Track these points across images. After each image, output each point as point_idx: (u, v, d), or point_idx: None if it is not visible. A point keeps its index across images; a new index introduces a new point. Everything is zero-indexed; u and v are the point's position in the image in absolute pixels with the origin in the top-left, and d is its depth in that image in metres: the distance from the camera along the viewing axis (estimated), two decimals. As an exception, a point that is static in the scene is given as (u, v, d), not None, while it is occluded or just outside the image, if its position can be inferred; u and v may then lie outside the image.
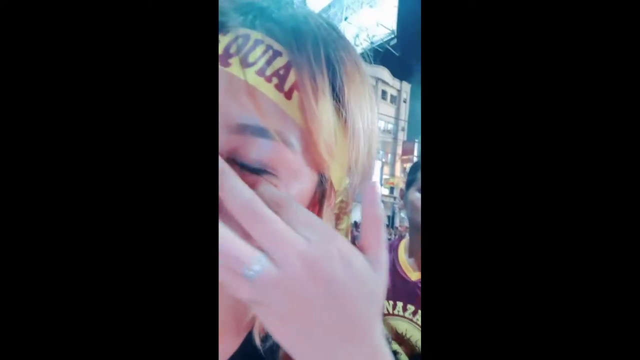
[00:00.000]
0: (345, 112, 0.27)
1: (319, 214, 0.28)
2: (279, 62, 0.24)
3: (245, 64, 0.24)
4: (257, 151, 0.24)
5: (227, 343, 0.32)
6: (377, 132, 0.30)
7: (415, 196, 1.05)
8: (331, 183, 0.28)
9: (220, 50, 0.24)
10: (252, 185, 0.23)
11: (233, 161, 0.24)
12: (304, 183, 0.27)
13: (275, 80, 0.24)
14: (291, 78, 0.25)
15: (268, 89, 0.24)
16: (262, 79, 0.24)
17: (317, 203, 0.28)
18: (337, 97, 0.26)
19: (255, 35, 0.25)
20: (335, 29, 0.28)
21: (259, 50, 0.24)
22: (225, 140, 0.24)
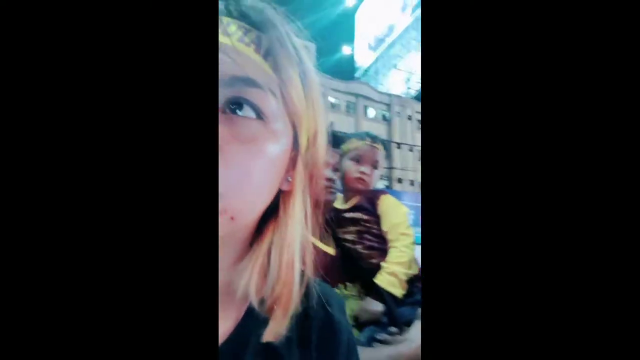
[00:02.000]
0: (306, 85, 0.32)
1: (293, 169, 0.32)
2: (252, 35, 0.30)
3: (226, 33, 0.29)
4: (250, 97, 0.28)
5: (227, 317, 0.34)
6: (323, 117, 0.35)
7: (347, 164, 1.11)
8: (304, 143, 0.32)
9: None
10: (243, 135, 0.28)
11: (228, 109, 0.28)
12: (283, 135, 0.30)
13: (252, 45, 0.29)
14: (264, 45, 0.30)
15: (249, 51, 0.29)
16: (242, 44, 0.29)
17: (292, 163, 0.32)
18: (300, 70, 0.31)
19: (227, 19, 0.30)
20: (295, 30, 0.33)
21: (234, 26, 0.29)
22: (221, 95, 0.27)
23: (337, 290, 0.91)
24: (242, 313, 0.33)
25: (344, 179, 1.12)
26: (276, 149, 0.30)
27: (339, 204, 1.12)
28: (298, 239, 0.33)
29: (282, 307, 0.32)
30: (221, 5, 0.30)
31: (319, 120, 0.34)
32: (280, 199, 0.33)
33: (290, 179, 0.33)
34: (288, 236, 0.32)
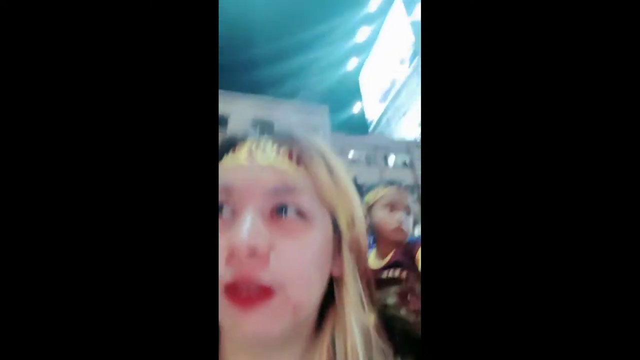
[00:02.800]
0: (335, 177, 0.35)
1: (339, 255, 0.35)
2: (285, 149, 0.34)
3: (265, 153, 0.34)
4: (293, 202, 0.32)
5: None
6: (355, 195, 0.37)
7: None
8: (344, 229, 0.35)
9: (244, 154, 0.34)
10: (292, 232, 0.31)
11: (275, 213, 0.32)
12: (324, 225, 0.33)
13: (286, 156, 0.34)
14: (295, 154, 0.34)
15: (284, 163, 0.33)
16: (278, 160, 0.33)
17: (337, 248, 0.35)
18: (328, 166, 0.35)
19: (263, 139, 0.35)
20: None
21: (270, 145, 0.34)
22: (268, 204, 0.32)
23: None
24: None
25: (377, 232, 1.00)
26: (320, 237, 0.33)
27: (372, 261, 0.99)
28: (357, 323, 0.33)
29: None
30: (256, 132, 0.37)
31: (354, 204, 0.37)
32: (335, 286, 0.35)
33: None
34: (347, 321, 0.33)
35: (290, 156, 0.34)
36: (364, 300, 0.35)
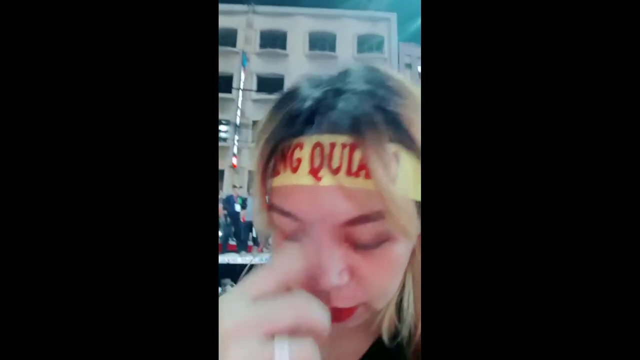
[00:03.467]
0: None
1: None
2: (357, 156, 0.27)
3: (333, 170, 0.27)
4: (370, 232, 0.28)
5: (357, 344, 0.35)
6: None
7: None
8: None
9: (307, 166, 0.28)
10: (368, 257, 0.28)
11: (353, 245, 0.29)
12: (404, 245, 0.30)
13: (362, 173, 0.27)
14: (370, 166, 0.27)
15: (357, 182, 0.27)
16: (352, 177, 0.27)
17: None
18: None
19: (327, 138, 0.28)
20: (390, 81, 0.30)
21: (337, 151, 0.27)
22: (341, 233, 0.28)
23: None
24: (369, 345, 0.36)
25: None
26: (399, 254, 0.30)
27: None
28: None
29: (414, 348, 0.33)
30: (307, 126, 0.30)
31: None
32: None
33: None
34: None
35: (362, 167, 0.28)
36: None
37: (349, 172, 0.27)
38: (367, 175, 0.27)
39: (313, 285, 0.27)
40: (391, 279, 0.30)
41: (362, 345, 0.36)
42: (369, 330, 0.35)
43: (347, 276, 0.28)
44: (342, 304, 0.29)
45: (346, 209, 0.27)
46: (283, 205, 0.29)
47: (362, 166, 0.27)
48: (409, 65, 14.86)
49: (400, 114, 0.28)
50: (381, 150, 0.28)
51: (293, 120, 0.29)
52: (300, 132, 0.29)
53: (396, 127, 0.28)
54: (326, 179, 0.27)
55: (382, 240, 0.29)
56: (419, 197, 0.29)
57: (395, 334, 0.33)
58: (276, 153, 0.29)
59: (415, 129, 0.29)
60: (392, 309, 0.34)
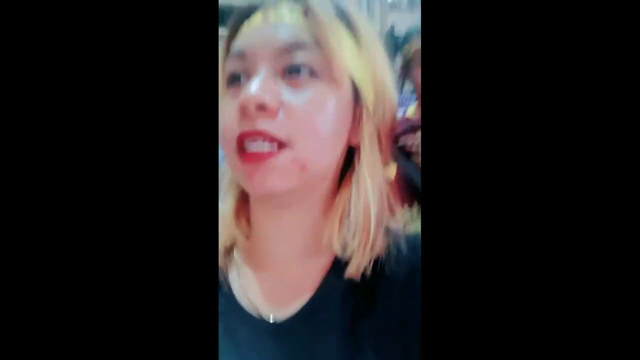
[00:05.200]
0: (361, 43, 0.34)
1: (359, 126, 0.35)
2: (299, 5, 0.33)
3: (278, 15, 0.33)
4: (304, 57, 0.32)
5: (316, 264, 0.36)
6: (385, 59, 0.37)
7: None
8: (368, 99, 0.35)
9: (259, 18, 0.33)
10: (302, 90, 0.31)
11: (286, 71, 0.32)
12: (342, 90, 0.33)
13: (302, 16, 0.33)
14: (310, 10, 0.33)
15: (298, 18, 0.33)
16: (293, 18, 0.33)
17: (358, 117, 0.35)
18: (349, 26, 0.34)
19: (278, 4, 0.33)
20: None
21: (283, 9, 0.33)
22: (279, 62, 0.32)
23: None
24: (330, 261, 0.36)
25: (416, 86, 1.00)
26: (334, 100, 0.33)
27: (411, 114, 1.04)
28: (371, 190, 0.35)
29: (362, 249, 0.34)
30: None
31: (386, 77, 0.36)
32: (355, 154, 0.36)
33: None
34: (362, 187, 0.35)
35: (305, 11, 0.33)
36: (381, 165, 0.36)
37: (291, 16, 0.33)
38: (308, 21, 0.32)
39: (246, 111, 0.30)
40: (321, 120, 0.32)
41: (323, 263, 0.37)
42: (321, 247, 0.35)
43: (276, 99, 0.30)
44: (269, 127, 0.30)
45: (284, 36, 0.32)
46: (237, 46, 0.33)
47: (303, 14, 0.33)
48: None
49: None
50: (334, 10, 0.33)
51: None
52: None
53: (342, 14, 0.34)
54: (272, 18, 0.33)
55: (312, 73, 0.32)
56: (354, 70, 0.33)
57: (344, 245, 0.34)
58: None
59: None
60: (337, 214, 0.35)
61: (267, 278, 0.38)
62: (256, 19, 0.34)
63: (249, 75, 0.32)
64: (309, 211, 0.36)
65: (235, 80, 0.33)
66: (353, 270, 0.34)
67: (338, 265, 0.36)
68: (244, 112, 0.31)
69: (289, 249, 0.37)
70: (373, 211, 0.35)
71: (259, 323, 0.36)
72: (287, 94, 0.31)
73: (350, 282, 0.35)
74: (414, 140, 0.97)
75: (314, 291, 0.36)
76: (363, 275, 0.35)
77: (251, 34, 0.33)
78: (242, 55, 0.33)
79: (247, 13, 0.35)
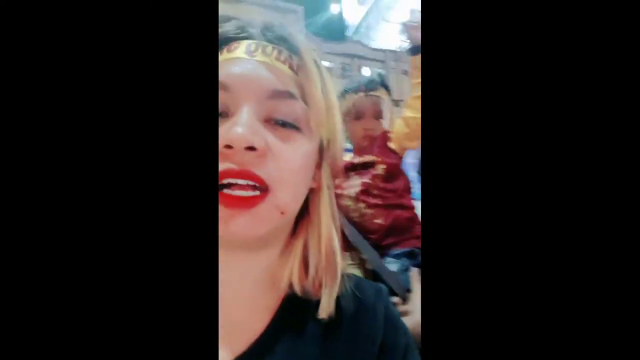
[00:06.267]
0: (325, 88, 0.38)
1: (319, 169, 0.39)
2: (285, 54, 0.35)
3: (265, 54, 0.34)
4: (289, 109, 0.34)
5: (269, 300, 0.39)
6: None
7: None
8: (325, 145, 0.39)
9: (243, 49, 0.34)
10: (285, 139, 0.33)
11: (272, 121, 0.33)
12: (313, 137, 0.36)
13: (287, 63, 0.35)
14: (295, 62, 0.36)
15: (285, 68, 0.35)
16: (279, 62, 0.35)
17: (319, 162, 0.39)
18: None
19: (263, 43, 0.36)
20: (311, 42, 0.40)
21: (270, 48, 0.35)
22: (264, 107, 0.33)
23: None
24: (281, 300, 0.39)
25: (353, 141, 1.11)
26: (310, 148, 0.36)
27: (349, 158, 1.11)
28: (334, 231, 0.38)
29: (329, 289, 0.37)
30: (257, 30, 0.36)
31: (337, 120, 0.39)
32: (310, 196, 0.38)
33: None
34: (324, 228, 0.38)
35: (290, 62, 0.35)
36: (335, 210, 0.40)
37: (277, 59, 0.35)
38: (292, 68, 0.35)
39: (234, 153, 0.30)
40: (299, 166, 0.34)
41: (274, 299, 0.39)
42: (278, 284, 0.38)
43: (264, 142, 0.31)
44: (256, 170, 0.31)
45: (272, 81, 0.33)
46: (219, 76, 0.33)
47: (289, 60, 0.35)
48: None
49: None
50: (307, 55, 0.36)
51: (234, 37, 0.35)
52: (242, 35, 0.36)
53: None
54: (259, 57, 0.34)
55: (295, 125, 0.34)
56: (330, 105, 0.36)
57: (303, 285, 0.38)
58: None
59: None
60: (297, 254, 0.38)
61: None
62: (240, 50, 0.35)
63: (229, 111, 0.33)
64: (267, 253, 0.38)
65: None
66: (324, 312, 0.37)
67: (288, 304, 0.38)
68: (228, 150, 0.31)
69: (240, 289, 0.38)
70: (337, 251, 0.38)
71: None
72: (271, 138, 0.33)
73: (303, 318, 0.38)
74: (355, 187, 1.04)
75: (265, 327, 0.37)
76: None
77: (236, 63, 0.34)
78: (224, 88, 0.33)
79: (229, 39, 0.36)
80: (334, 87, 0.40)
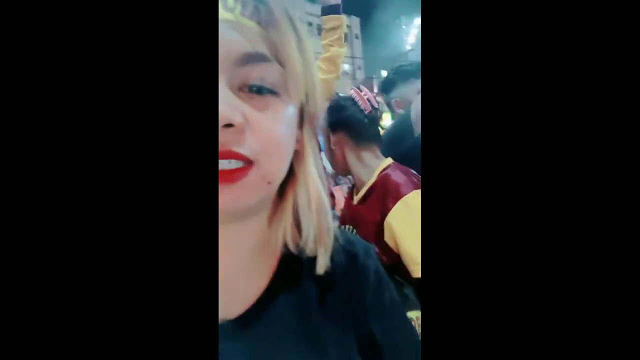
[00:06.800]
0: (300, 43, 0.34)
1: (301, 129, 0.36)
2: (250, 7, 0.31)
3: (227, 9, 0.30)
4: (263, 73, 0.30)
5: (266, 261, 0.38)
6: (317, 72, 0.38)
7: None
8: (305, 104, 0.36)
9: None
10: (262, 107, 0.30)
11: (246, 88, 0.30)
12: (293, 100, 0.33)
13: (254, 18, 0.31)
14: (264, 16, 0.31)
15: (252, 25, 0.30)
16: (245, 18, 0.30)
17: (300, 123, 0.36)
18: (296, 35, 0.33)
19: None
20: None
21: (231, 1, 0.30)
22: (235, 74, 0.30)
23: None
24: (278, 260, 0.39)
25: None
26: (289, 113, 0.33)
27: None
28: (322, 189, 0.37)
29: (323, 246, 0.37)
30: None
31: (315, 77, 0.37)
32: (294, 158, 0.36)
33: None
34: (311, 188, 0.37)
35: (257, 17, 0.31)
36: (321, 169, 0.39)
37: (243, 15, 0.30)
38: (260, 23, 0.31)
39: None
40: (282, 135, 0.32)
41: (271, 260, 0.39)
42: (273, 246, 0.38)
43: (242, 117, 0.29)
44: (236, 147, 0.29)
45: (240, 43, 0.30)
46: None
47: (256, 14, 0.31)
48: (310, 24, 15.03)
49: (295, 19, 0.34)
50: (277, 6, 0.32)
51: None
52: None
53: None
54: (221, 14, 0.30)
55: (272, 90, 0.31)
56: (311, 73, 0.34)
57: (297, 243, 0.37)
58: None
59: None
60: (288, 216, 0.37)
61: None
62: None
63: None
64: (257, 218, 0.37)
65: None
66: (321, 269, 0.37)
67: (285, 262, 0.39)
68: None
69: (236, 256, 0.37)
70: (328, 208, 0.37)
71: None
72: (248, 110, 0.30)
73: (300, 276, 0.38)
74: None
75: (265, 288, 0.38)
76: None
77: None
78: None
79: None
80: (310, 42, 0.36)
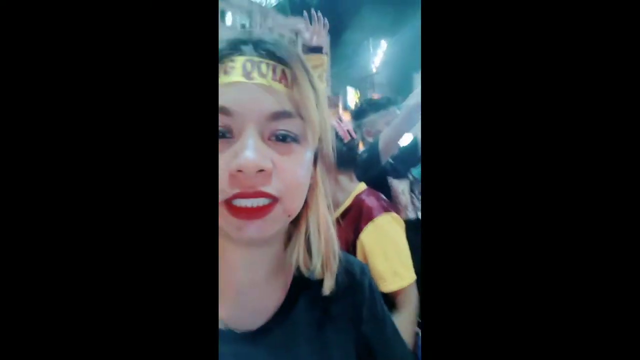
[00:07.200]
0: (317, 97, 0.40)
1: (315, 167, 0.43)
2: (279, 70, 0.37)
3: (261, 75, 0.36)
4: (288, 126, 0.37)
5: (277, 284, 0.45)
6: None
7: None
8: (319, 147, 0.42)
9: (240, 71, 0.36)
10: (286, 152, 0.36)
11: (273, 137, 0.36)
12: (311, 144, 0.40)
13: (283, 81, 0.37)
14: (289, 77, 0.37)
15: (281, 87, 0.37)
16: (276, 82, 0.36)
17: (314, 164, 0.42)
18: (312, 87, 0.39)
19: (257, 59, 0.37)
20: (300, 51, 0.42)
21: (264, 66, 0.37)
22: (265, 127, 0.36)
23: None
24: (290, 281, 0.46)
25: None
26: (308, 156, 0.40)
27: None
28: (330, 220, 0.44)
29: (330, 270, 0.44)
30: (250, 48, 0.38)
31: (327, 124, 0.43)
32: (308, 192, 0.42)
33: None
34: (322, 219, 0.43)
35: (283, 78, 0.37)
36: (330, 201, 0.45)
37: (274, 80, 0.37)
38: (287, 85, 0.37)
39: (241, 177, 0.33)
40: (302, 176, 0.38)
41: (285, 280, 0.45)
42: (289, 269, 0.45)
43: (271, 163, 0.35)
44: (265, 188, 0.35)
45: (271, 103, 0.36)
46: (220, 101, 0.34)
47: (284, 78, 0.37)
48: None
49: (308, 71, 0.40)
50: (300, 68, 0.38)
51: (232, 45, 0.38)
52: (236, 53, 0.37)
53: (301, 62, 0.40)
54: (257, 79, 0.36)
55: (294, 139, 0.37)
56: (322, 117, 0.40)
57: (308, 266, 0.43)
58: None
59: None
60: (301, 243, 0.43)
61: (230, 304, 0.43)
62: (237, 73, 0.36)
63: (233, 133, 0.36)
64: (273, 244, 0.44)
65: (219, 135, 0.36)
66: (327, 289, 0.44)
67: (297, 283, 0.45)
68: (239, 173, 0.34)
69: (254, 276, 0.44)
70: (334, 236, 0.44)
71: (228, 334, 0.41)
72: (275, 156, 0.36)
73: (310, 294, 0.45)
74: None
75: (280, 304, 0.44)
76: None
77: (234, 90, 0.36)
78: (226, 113, 0.35)
79: (223, 56, 0.37)
80: (325, 95, 0.42)
